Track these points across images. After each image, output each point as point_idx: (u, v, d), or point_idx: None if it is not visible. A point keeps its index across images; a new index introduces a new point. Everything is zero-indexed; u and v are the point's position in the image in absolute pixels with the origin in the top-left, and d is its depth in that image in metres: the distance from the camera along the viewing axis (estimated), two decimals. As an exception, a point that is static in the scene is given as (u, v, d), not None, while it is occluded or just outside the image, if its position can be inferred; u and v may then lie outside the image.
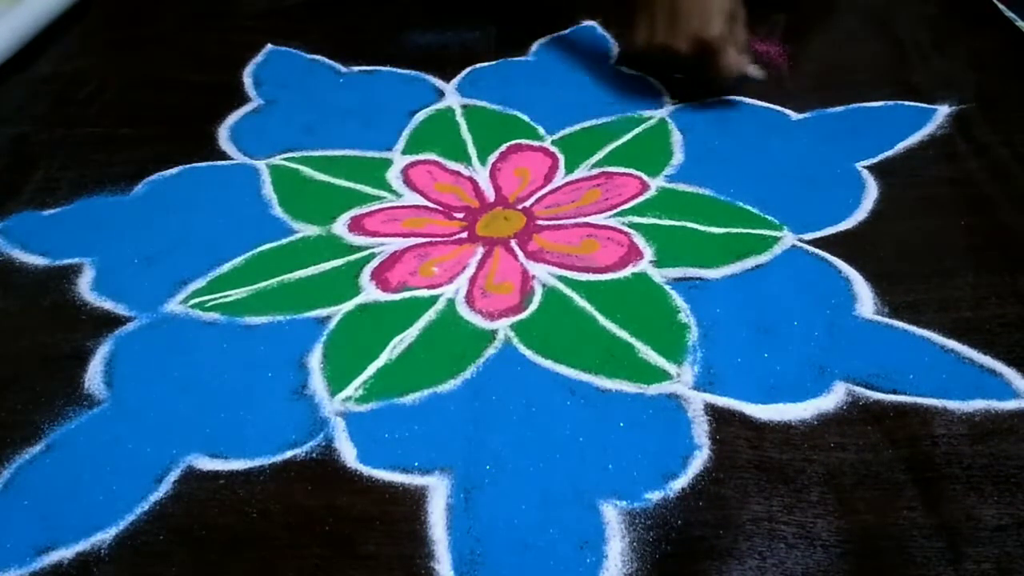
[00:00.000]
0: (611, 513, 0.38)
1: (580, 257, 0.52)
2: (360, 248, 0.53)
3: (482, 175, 0.59)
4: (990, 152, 0.58)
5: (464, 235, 0.54)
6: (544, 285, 0.50)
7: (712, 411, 0.42)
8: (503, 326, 0.47)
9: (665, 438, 0.41)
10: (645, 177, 0.58)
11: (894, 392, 0.43)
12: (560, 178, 0.58)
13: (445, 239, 0.54)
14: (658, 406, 0.43)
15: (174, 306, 0.50)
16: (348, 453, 0.41)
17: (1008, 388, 0.43)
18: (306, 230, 0.55)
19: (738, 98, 0.65)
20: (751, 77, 0.63)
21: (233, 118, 0.66)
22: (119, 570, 0.37)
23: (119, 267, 0.53)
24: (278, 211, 0.57)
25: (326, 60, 0.72)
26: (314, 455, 0.41)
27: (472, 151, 0.62)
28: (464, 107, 0.66)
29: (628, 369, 0.45)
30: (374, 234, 0.54)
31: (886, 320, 0.47)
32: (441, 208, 0.57)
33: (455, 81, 0.69)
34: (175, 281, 0.51)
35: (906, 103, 0.63)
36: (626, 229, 0.53)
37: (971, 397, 0.42)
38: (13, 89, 0.71)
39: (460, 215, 0.56)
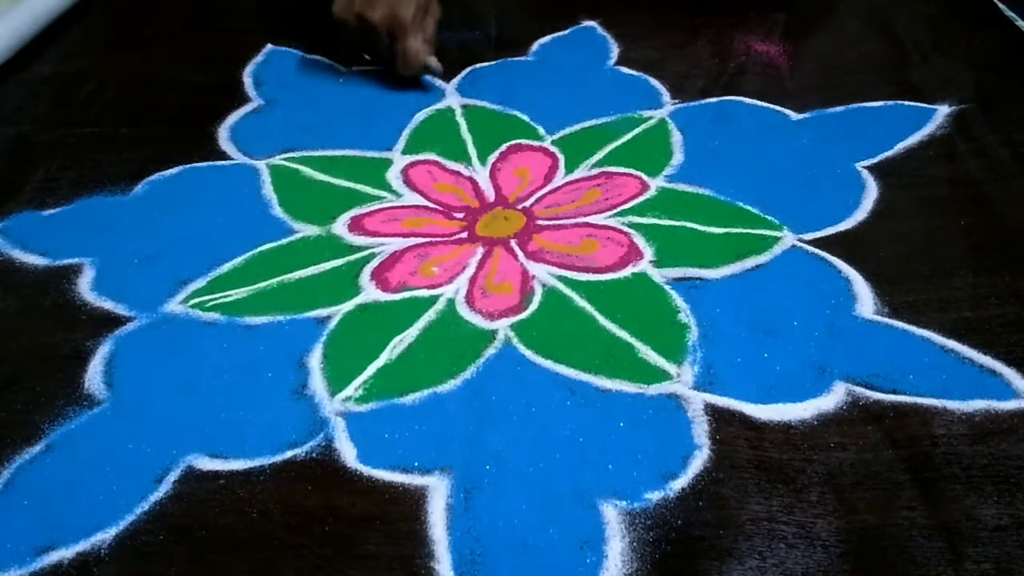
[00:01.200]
0: (611, 513, 0.38)
1: (580, 257, 0.52)
2: (360, 248, 0.53)
3: (482, 175, 0.59)
4: (990, 152, 0.58)
5: (464, 235, 0.54)
6: (544, 285, 0.50)
7: (712, 411, 0.42)
8: (503, 326, 0.47)
9: (665, 438, 0.41)
10: (645, 177, 0.58)
11: (894, 392, 0.43)
12: (560, 178, 0.58)
13: (445, 239, 0.54)
14: (658, 406, 0.43)
15: (174, 306, 0.50)
16: (348, 453, 0.41)
17: (1008, 388, 0.43)
18: (306, 230, 0.55)
19: (738, 98, 0.65)
20: (432, 69, 0.67)
21: (233, 118, 0.66)
22: (119, 570, 0.37)
23: (119, 267, 0.53)
24: (278, 211, 0.57)
25: (326, 60, 0.72)
26: (314, 455, 0.41)
27: (472, 151, 0.62)
28: (464, 107, 0.66)
29: (628, 369, 0.45)
30: (374, 234, 0.54)
31: (886, 320, 0.47)
32: (441, 208, 0.57)
33: (455, 81, 0.69)
34: (175, 281, 0.51)
35: (906, 103, 0.63)
36: (626, 229, 0.53)
37: (971, 397, 0.42)
38: (13, 89, 0.71)
39: (460, 215, 0.56)
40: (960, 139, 0.59)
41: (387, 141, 0.63)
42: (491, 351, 0.46)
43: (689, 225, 0.53)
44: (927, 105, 0.62)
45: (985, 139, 0.59)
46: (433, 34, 0.66)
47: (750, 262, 0.50)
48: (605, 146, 0.61)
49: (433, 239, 0.54)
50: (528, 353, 0.46)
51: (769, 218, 0.54)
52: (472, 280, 0.50)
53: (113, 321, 0.49)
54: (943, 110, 0.62)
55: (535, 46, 0.73)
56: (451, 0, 0.69)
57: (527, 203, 0.56)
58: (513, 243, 0.53)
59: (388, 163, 0.61)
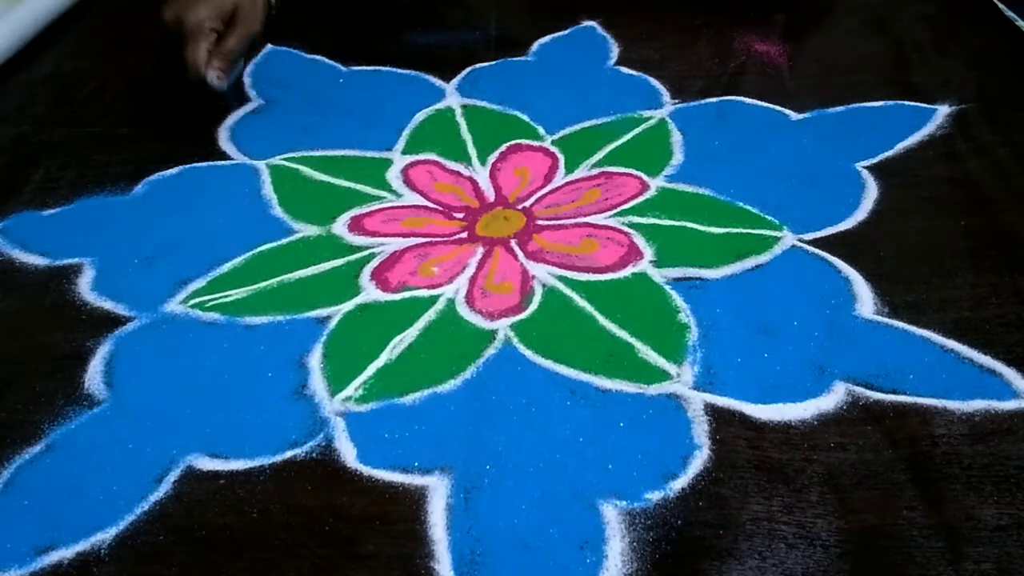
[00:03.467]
0: (611, 513, 0.38)
1: (580, 257, 0.52)
2: (360, 248, 0.53)
3: (482, 175, 0.59)
4: (990, 152, 0.58)
5: (464, 235, 0.54)
6: (544, 285, 0.50)
7: (712, 411, 0.42)
8: (503, 326, 0.47)
9: (665, 438, 0.41)
10: (645, 177, 0.58)
11: (894, 392, 0.43)
12: (560, 178, 0.58)
13: (445, 239, 0.54)
14: (658, 406, 0.43)
15: (174, 306, 0.50)
16: (348, 453, 0.41)
17: (1008, 388, 0.43)
18: (306, 230, 0.55)
19: (738, 98, 0.65)
20: (212, 84, 0.61)
21: (233, 118, 0.66)
22: (119, 570, 0.37)
23: (119, 267, 0.53)
24: (278, 211, 0.57)
25: (326, 60, 0.72)
26: (314, 455, 0.41)
27: (472, 151, 0.62)
28: (464, 107, 0.66)
29: (628, 369, 0.45)
30: (374, 234, 0.54)
31: (886, 320, 0.47)
32: (441, 208, 0.57)
33: (455, 81, 0.69)
34: (175, 281, 0.51)
35: (906, 103, 0.63)
36: (626, 229, 0.53)
37: (971, 397, 0.42)
38: (13, 89, 0.71)
39: (460, 215, 0.56)
40: (960, 139, 0.59)
41: (387, 141, 0.63)
42: (491, 351, 0.46)
43: (689, 225, 0.53)
44: (927, 105, 0.62)
45: (985, 139, 0.59)
46: (232, 49, 0.61)
47: (750, 262, 0.50)
48: (605, 146, 0.61)
49: (433, 239, 0.54)
50: (528, 353, 0.46)
51: (769, 218, 0.53)
52: (472, 280, 0.50)
53: (113, 321, 0.49)
54: (943, 110, 0.62)
55: (535, 46, 0.73)
56: (451, 0, 0.69)
57: (527, 203, 0.56)
58: (513, 243, 0.53)
59: (388, 163, 0.61)
